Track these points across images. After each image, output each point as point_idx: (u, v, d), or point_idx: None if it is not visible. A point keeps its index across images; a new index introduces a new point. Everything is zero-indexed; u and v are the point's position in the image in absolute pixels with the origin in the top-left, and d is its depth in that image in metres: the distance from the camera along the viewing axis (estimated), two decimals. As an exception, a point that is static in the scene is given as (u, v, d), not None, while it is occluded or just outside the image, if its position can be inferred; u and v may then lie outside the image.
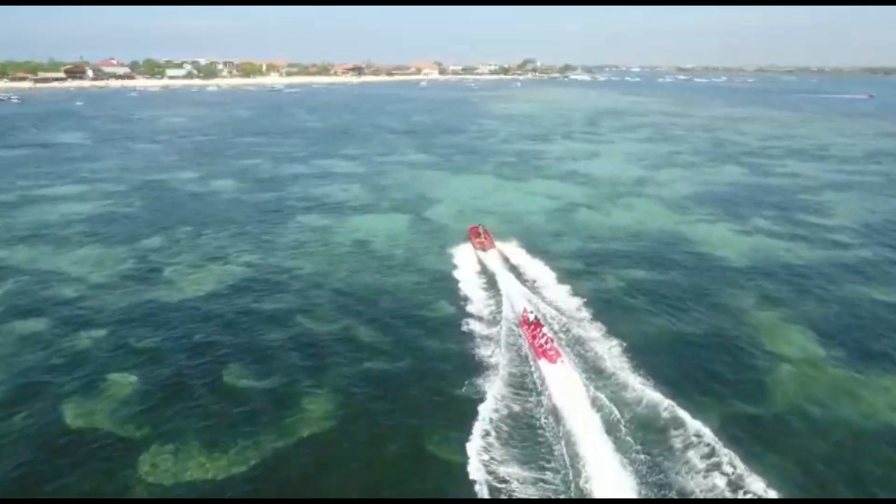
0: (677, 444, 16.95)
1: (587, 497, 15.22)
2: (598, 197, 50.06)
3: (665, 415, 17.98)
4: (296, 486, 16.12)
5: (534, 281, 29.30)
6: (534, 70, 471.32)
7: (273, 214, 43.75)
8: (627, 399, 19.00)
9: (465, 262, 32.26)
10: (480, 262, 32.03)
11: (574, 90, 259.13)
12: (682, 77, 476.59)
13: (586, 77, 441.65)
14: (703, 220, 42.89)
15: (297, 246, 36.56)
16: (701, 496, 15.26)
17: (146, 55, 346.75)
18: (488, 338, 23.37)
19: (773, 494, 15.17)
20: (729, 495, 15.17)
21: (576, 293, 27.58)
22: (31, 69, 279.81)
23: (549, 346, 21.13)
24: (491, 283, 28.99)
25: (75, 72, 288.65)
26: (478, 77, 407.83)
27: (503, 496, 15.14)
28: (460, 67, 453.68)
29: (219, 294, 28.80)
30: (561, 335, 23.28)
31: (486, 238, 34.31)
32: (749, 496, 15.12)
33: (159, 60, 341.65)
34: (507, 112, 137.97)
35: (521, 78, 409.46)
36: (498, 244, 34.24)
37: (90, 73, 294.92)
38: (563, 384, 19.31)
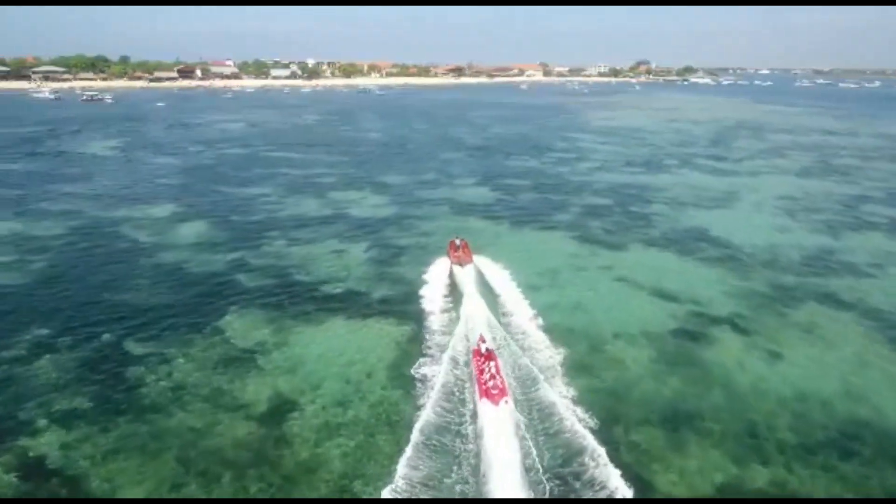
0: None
1: None
2: (747, 299, 28.63)
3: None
4: None
5: (504, 306, 26.26)
6: (648, 72, 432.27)
7: (188, 310, 26.97)
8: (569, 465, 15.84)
9: (436, 278, 29.59)
10: (452, 279, 29.54)
11: (695, 96, 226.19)
12: (821, 81, 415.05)
13: (708, 80, 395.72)
14: None
15: (169, 406, 19.48)
16: None
17: (267, 55, 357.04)
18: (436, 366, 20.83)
19: None
20: None
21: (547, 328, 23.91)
22: (148, 69, 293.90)
23: (493, 382, 18.24)
24: (457, 304, 26.19)
25: (186, 71, 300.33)
26: (584, 79, 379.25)
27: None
28: (566, 69, 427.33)
29: None
30: (508, 370, 20.28)
31: (464, 252, 31.53)
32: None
33: (267, 61, 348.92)
34: (610, 124, 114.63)
35: (635, 81, 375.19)
36: (476, 259, 31.32)
37: (199, 72, 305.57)
38: (500, 431, 16.69)
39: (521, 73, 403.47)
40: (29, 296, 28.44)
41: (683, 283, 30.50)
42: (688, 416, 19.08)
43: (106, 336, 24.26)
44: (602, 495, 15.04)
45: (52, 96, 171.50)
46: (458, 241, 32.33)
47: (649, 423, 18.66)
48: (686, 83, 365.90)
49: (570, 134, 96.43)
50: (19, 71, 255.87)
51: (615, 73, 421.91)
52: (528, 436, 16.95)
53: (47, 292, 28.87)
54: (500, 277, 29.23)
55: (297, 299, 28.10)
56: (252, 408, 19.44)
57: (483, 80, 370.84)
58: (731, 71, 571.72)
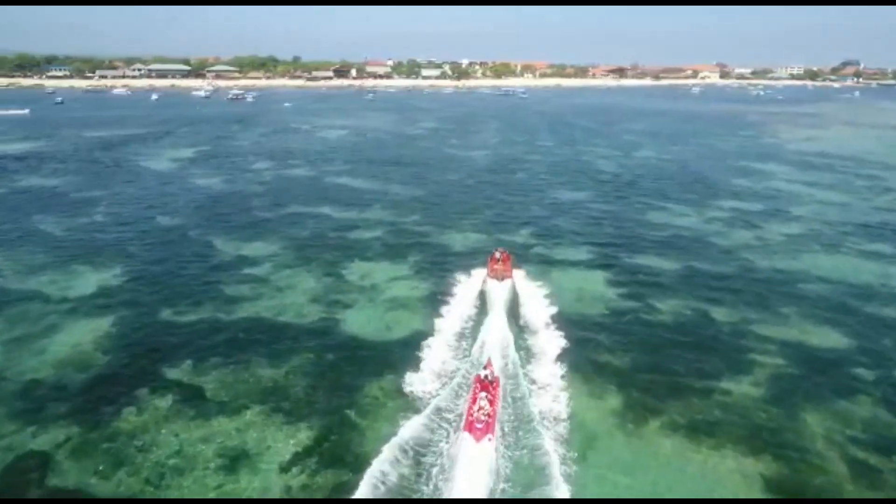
0: None
1: None
2: None
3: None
4: None
5: (535, 331, 23.62)
6: (855, 75, 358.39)
7: None
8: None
9: (467, 291, 27.43)
10: (484, 294, 26.77)
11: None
12: None
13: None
14: None
15: None
16: None
17: (431, 56, 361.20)
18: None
19: None
20: None
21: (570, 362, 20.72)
22: (308, 69, 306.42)
23: (479, 415, 16.16)
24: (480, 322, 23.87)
25: (341, 71, 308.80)
26: (771, 83, 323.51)
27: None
28: (749, 70, 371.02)
29: None
30: (508, 404, 18.07)
31: (504, 265, 28.40)
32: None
33: (421, 61, 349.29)
34: (815, 148, 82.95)
35: (838, 85, 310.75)
36: (517, 273, 28.67)
37: (353, 72, 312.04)
38: (473, 472, 14.59)
39: (694, 74, 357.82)
40: None
41: None
42: None
43: None
44: None
45: (204, 95, 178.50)
46: (497, 254, 29.21)
47: None
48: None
49: (752, 164, 68.62)
50: (198, 70, 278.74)
51: (811, 75, 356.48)
52: (504, 487, 14.89)
53: None
54: (539, 305, 25.99)
55: None
56: None
57: (646, 82, 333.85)
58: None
